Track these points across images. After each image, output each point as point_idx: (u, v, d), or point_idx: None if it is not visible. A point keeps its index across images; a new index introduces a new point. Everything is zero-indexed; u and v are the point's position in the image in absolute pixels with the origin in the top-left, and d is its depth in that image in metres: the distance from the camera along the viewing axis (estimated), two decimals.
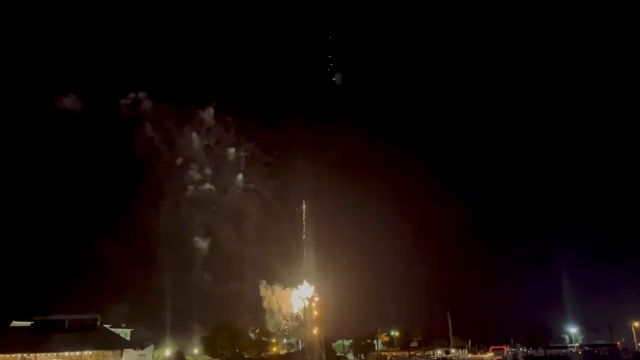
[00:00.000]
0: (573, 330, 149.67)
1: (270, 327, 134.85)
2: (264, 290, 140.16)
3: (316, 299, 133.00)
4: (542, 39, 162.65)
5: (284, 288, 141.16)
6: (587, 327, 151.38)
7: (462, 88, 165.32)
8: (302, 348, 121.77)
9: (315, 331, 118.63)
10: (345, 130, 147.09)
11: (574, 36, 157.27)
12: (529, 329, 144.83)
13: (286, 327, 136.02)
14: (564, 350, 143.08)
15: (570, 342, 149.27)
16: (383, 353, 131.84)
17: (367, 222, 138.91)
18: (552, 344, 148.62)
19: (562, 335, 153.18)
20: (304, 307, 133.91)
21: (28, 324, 78.27)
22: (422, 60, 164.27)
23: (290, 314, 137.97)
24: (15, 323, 79.34)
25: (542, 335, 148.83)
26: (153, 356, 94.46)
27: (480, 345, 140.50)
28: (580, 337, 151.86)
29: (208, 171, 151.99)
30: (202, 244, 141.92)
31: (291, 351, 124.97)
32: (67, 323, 77.64)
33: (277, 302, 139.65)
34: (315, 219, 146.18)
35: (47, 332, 73.92)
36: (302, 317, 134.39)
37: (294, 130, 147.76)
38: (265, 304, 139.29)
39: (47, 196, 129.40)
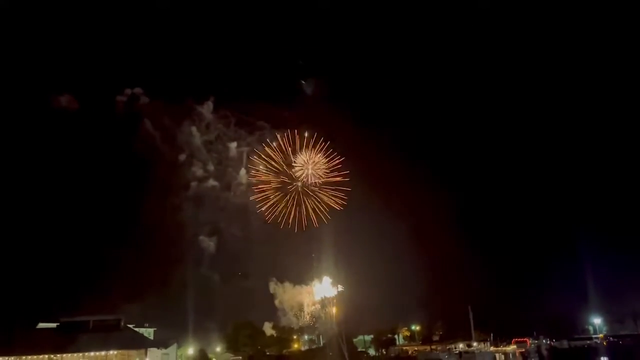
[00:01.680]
0: (597, 321, 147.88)
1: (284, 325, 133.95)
2: (275, 287, 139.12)
3: (340, 288, 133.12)
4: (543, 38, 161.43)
5: (294, 286, 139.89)
6: (611, 317, 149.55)
7: (481, 83, 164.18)
8: (324, 344, 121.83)
9: (335, 327, 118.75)
10: (351, 121, 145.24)
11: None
12: (552, 321, 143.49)
13: (298, 324, 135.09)
14: (588, 342, 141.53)
15: (595, 333, 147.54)
16: (404, 348, 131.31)
17: (384, 217, 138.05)
18: (576, 336, 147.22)
19: (586, 327, 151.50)
20: (324, 303, 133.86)
21: (54, 325, 79.38)
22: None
23: (303, 312, 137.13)
24: (41, 325, 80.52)
25: (566, 327, 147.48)
26: (176, 355, 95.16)
27: (502, 338, 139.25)
28: (605, 328, 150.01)
29: (211, 167, 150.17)
30: (210, 242, 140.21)
31: (312, 347, 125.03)
32: (91, 324, 78.62)
33: (289, 300, 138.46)
34: (327, 213, 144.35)
35: (73, 333, 74.94)
36: (313, 315, 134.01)
37: (296, 122, 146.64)
38: (277, 302, 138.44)
39: (63, 201, 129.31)
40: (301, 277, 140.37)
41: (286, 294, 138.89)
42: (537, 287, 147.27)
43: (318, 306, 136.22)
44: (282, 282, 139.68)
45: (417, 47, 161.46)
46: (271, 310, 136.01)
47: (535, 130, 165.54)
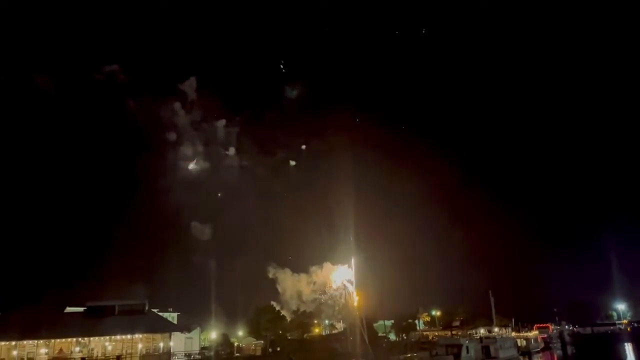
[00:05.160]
0: (621, 306, 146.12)
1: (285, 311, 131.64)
2: (277, 273, 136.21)
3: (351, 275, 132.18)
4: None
5: (292, 274, 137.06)
6: (636, 303, 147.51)
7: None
8: (344, 329, 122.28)
9: (356, 312, 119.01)
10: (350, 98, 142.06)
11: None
12: (575, 307, 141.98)
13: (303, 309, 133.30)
14: (612, 327, 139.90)
15: (619, 319, 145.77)
16: (425, 333, 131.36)
17: (406, 202, 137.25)
18: (599, 321, 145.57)
19: (610, 312, 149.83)
20: (344, 288, 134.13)
21: (81, 309, 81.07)
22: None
23: (303, 302, 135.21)
24: (68, 309, 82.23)
25: (589, 313, 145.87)
26: (200, 339, 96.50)
27: (524, 323, 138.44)
28: (629, 314, 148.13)
29: (200, 148, 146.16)
30: (204, 227, 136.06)
31: (333, 332, 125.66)
32: (117, 308, 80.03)
33: (289, 289, 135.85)
34: (332, 196, 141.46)
35: (99, 317, 76.49)
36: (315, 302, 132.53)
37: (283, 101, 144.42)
38: (280, 289, 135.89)
39: (78, 187, 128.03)
40: (301, 265, 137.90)
41: (287, 282, 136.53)
42: (560, 272, 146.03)
43: (321, 295, 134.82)
44: (282, 268, 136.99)
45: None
46: (273, 295, 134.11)
47: (562, 120, 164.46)
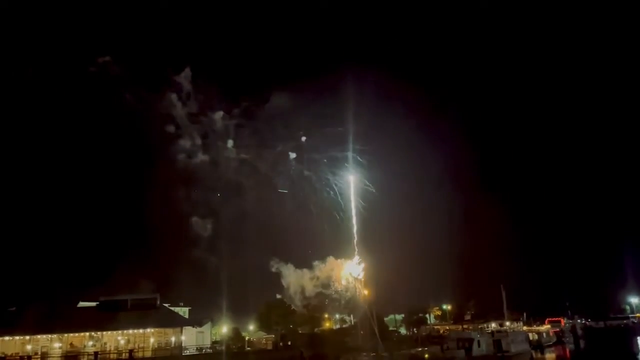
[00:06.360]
0: (634, 300, 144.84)
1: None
2: (279, 267, 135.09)
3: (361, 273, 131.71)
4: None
5: (295, 269, 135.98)
6: None
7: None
8: (355, 323, 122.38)
9: (366, 306, 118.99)
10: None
11: None
12: (587, 300, 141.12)
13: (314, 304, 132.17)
14: (624, 321, 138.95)
15: (632, 312, 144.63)
16: (436, 327, 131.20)
17: (418, 196, 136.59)
18: (612, 315, 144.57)
19: (623, 306, 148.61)
20: (355, 282, 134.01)
21: (94, 304, 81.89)
22: None
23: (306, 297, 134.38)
24: (82, 304, 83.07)
25: (602, 307, 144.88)
26: (211, 333, 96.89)
27: (536, 317, 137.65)
28: None
29: (198, 141, 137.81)
30: (206, 223, 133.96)
31: (344, 326, 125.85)
32: (129, 303, 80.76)
33: (293, 284, 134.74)
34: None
35: (112, 312, 77.18)
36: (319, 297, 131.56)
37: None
38: (285, 283, 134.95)
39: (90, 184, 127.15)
40: (304, 261, 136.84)
41: (290, 277, 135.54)
42: (572, 266, 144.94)
43: (325, 290, 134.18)
44: (285, 263, 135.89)
45: None
46: (279, 290, 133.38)
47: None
